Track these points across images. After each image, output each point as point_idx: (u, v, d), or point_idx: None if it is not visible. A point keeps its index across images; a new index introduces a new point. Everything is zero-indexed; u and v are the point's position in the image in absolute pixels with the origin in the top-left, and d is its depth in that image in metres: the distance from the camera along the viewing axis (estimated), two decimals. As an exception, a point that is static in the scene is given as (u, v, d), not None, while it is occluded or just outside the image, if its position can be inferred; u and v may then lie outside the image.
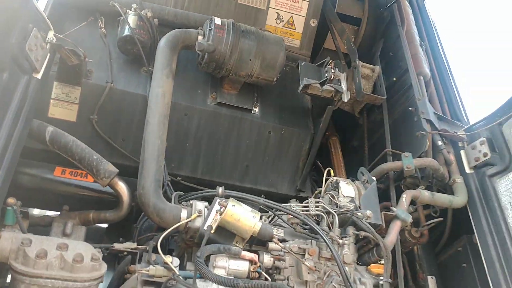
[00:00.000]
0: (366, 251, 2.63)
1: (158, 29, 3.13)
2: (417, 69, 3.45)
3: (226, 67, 3.03)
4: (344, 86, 2.99)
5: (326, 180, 2.87)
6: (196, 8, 3.39)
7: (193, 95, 3.16)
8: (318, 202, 2.62)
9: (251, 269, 2.20)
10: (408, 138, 3.24)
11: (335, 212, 2.54)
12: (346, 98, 2.98)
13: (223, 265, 2.16)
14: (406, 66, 3.44)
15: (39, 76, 2.27)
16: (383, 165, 3.06)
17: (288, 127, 3.31)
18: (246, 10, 3.50)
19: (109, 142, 2.97)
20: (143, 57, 2.99)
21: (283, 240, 2.37)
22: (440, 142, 3.09)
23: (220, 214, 2.19)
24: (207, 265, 2.05)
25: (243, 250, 2.21)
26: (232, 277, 2.12)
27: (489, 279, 2.70)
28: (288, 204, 2.62)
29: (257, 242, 2.36)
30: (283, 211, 2.49)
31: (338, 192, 2.72)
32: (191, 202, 2.38)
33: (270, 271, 2.30)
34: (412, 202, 2.90)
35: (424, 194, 2.91)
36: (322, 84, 2.99)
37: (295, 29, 3.63)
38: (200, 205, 2.34)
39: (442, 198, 2.94)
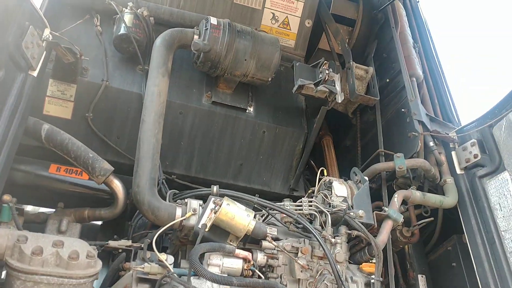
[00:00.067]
0: (358, 250, 2.67)
1: (154, 27, 3.14)
2: (410, 71, 3.49)
3: (221, 66, 3.05)
4: (338, 87, 3.02)
5: (320, 179, 2.90)
6: (192, 7, 3.40)
7: (188, 94, 3.17)
8: (311, 202, 2.65)
9: (245, 267, 2.23)
10: (400, 139, 3.28)
11: (328, 211, 2.57)
12: (340, 99, 3.02)
13: (217, 263, 2.18)
14: (399, 68, 3.48)
15: (35, 73, 2.28)
16: (376, 165, 3.10)
17: (282, 126, 3.34)
18: (241, 10, 3.52)
19: (104, 140, 2.98)
20: (138, 55, 3.00)
21: (276, 239, 2.40)
22: (431, 143, 3.13)
23: (215, 213, 2.21)
24: (202, 263, 2.07)
25: (237, 248, 2.23)
26: (226, 275, 2.14)
27: (477, 278, 2.76)
28: (281, 203, 2.65)
29: (251, 241, 2.38)
30: (276, 210, 2.51)
31: (331, 191, 2.76)
32: (185, 200, 2.40)
33: (264, 269, 2.33)
34: (404, 202, 2.94)
35: (416, 194, 2.95)
36: (316, 84, 3.02)
37: (290, 30, 3.66)
38: (195, 203, 2.36)
39: (433, 198, 2.98)
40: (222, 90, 3.25)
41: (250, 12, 3.55)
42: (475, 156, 2.98)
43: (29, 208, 2.98)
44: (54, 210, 2.61)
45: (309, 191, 3.05)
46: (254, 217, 2.30)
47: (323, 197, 2.76)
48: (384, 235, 2.68)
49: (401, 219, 2.76)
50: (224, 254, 2.20)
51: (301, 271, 2.33)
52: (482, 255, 2.78)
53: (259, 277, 2.26)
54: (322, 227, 2.54)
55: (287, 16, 3.64)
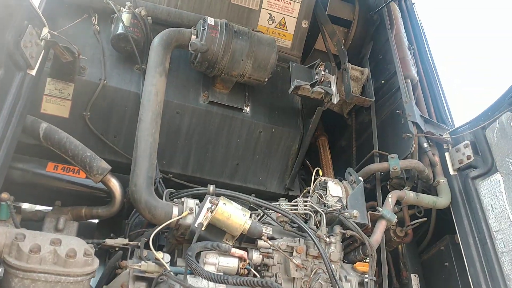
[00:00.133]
0: (352, 249, 2.69)
1: (151, 27, 3.16)
2: (405, 72, 3.52)
3: (218, 66, 3.07)
4: (333, 88, 3.05)
5: (315, 179, 2.93)
6: (189, 7, 3.42)
7: (185, 94, 3.19)
8: (306, 201, 2.67)
9: (241, 266, 2.25)
10: (394, 140, 3.31)
11: (323, 211, 2.60)
12: (335, 100, 3.05)
13: (213, 262, 2.20)
14: (394, 69, 3.51)
15: (33, 72, 2.29)
16: (370, 166, 3.13)
17: (278, 126, 3.37)
18: (238, 10, 3.54)
19: (101, 138, 3.00)
20: (136, 55, 3.02)
21: (272, 238, 2.42)
22: (425, 144, 3.17)
23: (211, 212, 2.23)
24: (198, 262, 2.09)
25: (233, 247, 2.25)
26: (222, 274, 2.16)
27: (469, 277, 2.80)
28: (277, 203, 2.67)
29: (247, 240, 2.41)
30: (272, 210, 2.54)
31: (326, 191, 2.78)
32: (182, 199, 2.42)
33: (259, 268, 2.36)
34: (398, 202, 2.97)
35: (409, 195, 2.98)
36: (312, 85, 3.05)
37: (287, 30, 3.69)
38: (192, 202, 2.38)
39: (426, 199, 3.02)
40: (219, 90, 3.27)
41: (247, 12, 3.57)
42: (468, 157, 3.02)
43: (25, 205, 2.99)
44: (51, 208, 2.61)
45: (304, 191, 3.07)
46: (250, 216, 2.32)
47: (318, 197, 2.78)
48: (378, 235, 2.71)
49: (394, 219, 2.79)
50: (220, 253, 2.22)
51: (296, 270, 2.36)
52: (474, 255, 2.82)
53: (255, 275, 2.28)
54: (317, 227, 2.57)
55: (283, 17, 3.66)
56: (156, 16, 3.25)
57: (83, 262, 1.96)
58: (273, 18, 3.64)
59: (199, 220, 2.26)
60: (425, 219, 3.09)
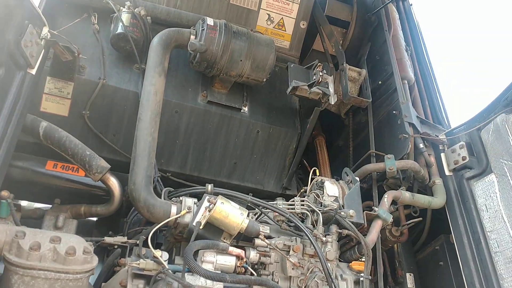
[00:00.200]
0: (348, 248, 2.72)
1: (150, 27, 3.17)
2: (402, 74, 3.55)
3: (217, 66, 3.09)
4: (331, 88, 3.08)
5: (312, 179, 2.95)
6: (188, 7, 3.43)
7: (184, 93, 3.21)
8: (303, 201, 2.70)
9: (238, 264, 2.27)
10: (391, 140, 3.34)
11: (320, 210, 2.62)
12: (333, 100, 3.07)
13: (211, 260, 2.22)
14: (392, 70, 3.54)
15: (33, 71, 2.30)
16: (367, 166, 3.16)
17: (276, 126, 3.39)
18: (237, 10, 3.56)
19: (100, 137, 3.02)
20: (135, 54, 3.03)
21: (269, 237, 2.45)
22: (421, 145, 3.19)
23: (209, 211, 2.25)
24: (196, 260, 2.11)
25: (230, 246, 2.28)
26: (220, 272, 2.19)
27: (463, 276, 2.83)
28: (274, 202, 2.70)
29: (244, 238, 2.43)
30: (269, 209, 2.56)
31: (323, 191, 2.81)
32: (180, 198, 2.44)
33: (256, 266, 2.38)
34: (393, 202, 3.00)
35: (405, 195, 3.01)
36: (310, 86, 3.08)
37: (285, 31, 3.71)
38: (190, 201, 2.40)
39: (421, 199, 3.04)
40: (218, 90, 3.29)
41: (246, 12, 3.59)
42: (464, 158, 3.05)
43: (24, 203, 3.01)
44: (50, 206, 2.63)
45: (301, 190, 3.10)
46: (248, 215, 2.35)
47: (315, 197, 2.81)
48: (373, 234, 2.73)
49: (390, 218, 2.81)
50: (218, 251, 2.24)
51: (293, 268, 2.39)
52: (468, 254, 2.85)
53: (252, 274, 2.30)
54: (314, 226, 2.60)
55: (282, 18, 3.68)
56: (156, 16, 3.26)
57: (83, 260, 1.98)
58: (272, 18, 3.66)
59: (197, 219, 2.28)
60: (421, 219, 3.12)
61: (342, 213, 2.62)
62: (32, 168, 2.69)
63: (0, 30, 2.03)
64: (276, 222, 2.59)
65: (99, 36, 3.13)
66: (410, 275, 3.17)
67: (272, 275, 2.37)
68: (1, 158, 2.02)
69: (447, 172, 3.16)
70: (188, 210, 2.35)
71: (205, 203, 2.32)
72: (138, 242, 2.26)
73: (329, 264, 2.41)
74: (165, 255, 2.20)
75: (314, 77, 3.11)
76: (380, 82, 3.68)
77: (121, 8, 3.07)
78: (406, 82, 3.54)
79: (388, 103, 3.54)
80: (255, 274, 2.33)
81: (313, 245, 2.38)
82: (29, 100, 2.29)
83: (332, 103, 3.09)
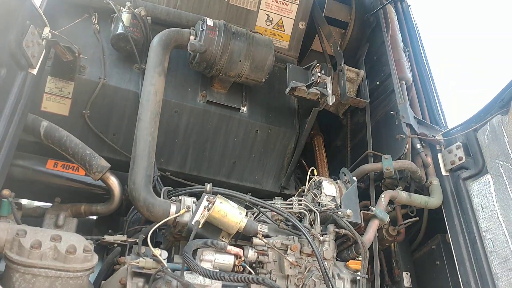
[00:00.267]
0: (345, 248, 2.75)
1: (151, 27, 3.19)
2: (400, 74, 3.57)
3: (216, 67, 3.11)
4: (329, 89, 3.10)
5: (310, 179, 2.98)
6: (188, 7, 3.45)
7: (183, 93, 3.23)
8: (301, 200, 2.72)
9: (236, 263, 2.29)
10: (388, 140, 3.37)
11: (317, 210, 2.65)
12: (331, 101, 3.10)
13: (210, 259, 2.24)
14: (389, 71, 3.56)
15: (35, 71, 2.32)
16: (364, 166, 3.18)
17: (274, 126, 3.41)
18: (237, 10, 3.58)
19: (100, 137, 3.04)
20: (135, 54, 3.05)
21: (267, 236, 2.47)
22: (418, 145, 3.22)
23: (208, 210, 2.27)
24: (195, 259, 2.13)
25: (229, 244, 2.30)
26: (218, 270, 2.21)
27: (459, 276, 2.86)
28: (272, 202, 2.73)
29: (242, 237, 2.45)
30: (267, 208, 2.58)
31: (321, 191, 2.84)
32: (180, 197, 2.45)
33: (254, 265, 2.40)
34: (390, 202, 3.02)
35: (402, 195, 3.03)
36: (308, 87, 3.10)
37: (284, 31, 3.73)
38: (189, 200, 2.42)
39: (418, 199, 3.07)
40: (217, 90, 3.31)
41: (245, 13, 3.61)
42: (460, 158, 3.08)
43: (24, 201, 3.03)
44: (50, 204, 2.65)
45: (299, 190, 3.13)
46: (246, 214, 2.36)
47: (312, 196, 2.84)
48: (370, 234, 2.76)
49: (387, 218, 2.84)
50: (216, 250, 2.26)
51: (290, 267, 2.41)
52: (464, 254, 2.88)
53: (250, 272, 2.32)
54: (311, 225, 2.62)
55: (281, 18, 3.70)
56: (156, 16, 3.28)
57: (83, 258, 2.00)
58: (271, 19, 3.68)
59: (196, 218, 2.29)
60: (417, 218, 3.14)
61: (340, 212, 2.65)
62: (33, 167, 2.70)
63: (2, 30, 2.05)
64: (274, 221, 2.61)
65: (99, 36, 3.15)
66: (407, 274, 3.20)
67: (270, 273, 2.40)
68: (2, 157, 2.04)
69: (443, 172, 3.18)
70: (187, 209, 2.37)
71: (204, 203, 2.34)
72: (137, 241, 2.28)
73: (326, 263, 2.44)
74: (164, 254, 2.21)
75: (313, 78, 3.14)
76: (378, 83, 3.70)
77: (122, 8, 3.09)
78: (403, 82, 3.56)
79: (385, 103, 3.56)
80: (253, 272, 2.35)
81: (311, 244, 2.40)
82: (30, 100, 2.30)
83: (330, 103, 3.11)
